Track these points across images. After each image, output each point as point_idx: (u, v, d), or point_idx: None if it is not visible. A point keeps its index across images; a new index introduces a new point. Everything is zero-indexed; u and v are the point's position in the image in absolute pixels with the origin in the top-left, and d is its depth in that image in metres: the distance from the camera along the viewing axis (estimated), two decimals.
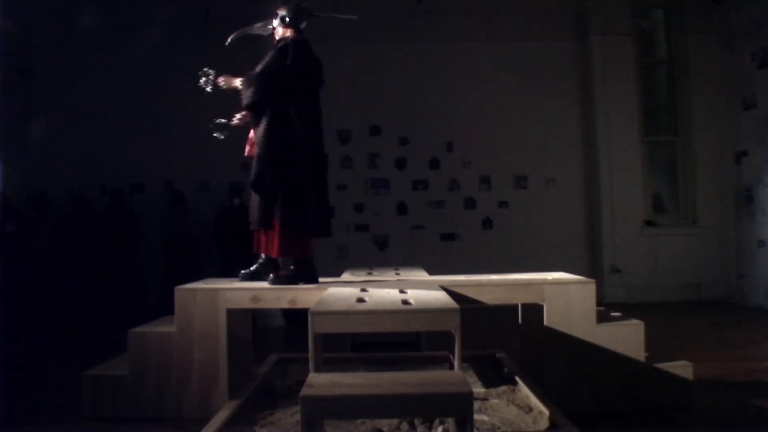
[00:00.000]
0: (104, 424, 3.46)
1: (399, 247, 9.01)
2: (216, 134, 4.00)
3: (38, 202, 8.59)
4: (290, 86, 3.76)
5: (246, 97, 3.78)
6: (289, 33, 3.92)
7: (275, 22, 3.97)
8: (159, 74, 8.68)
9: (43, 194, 8.60)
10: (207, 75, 3.96)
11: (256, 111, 3.82)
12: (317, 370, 2.76)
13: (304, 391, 2.38)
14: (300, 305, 3.51)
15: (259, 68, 3.81)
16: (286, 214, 3.73)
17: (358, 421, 3.02)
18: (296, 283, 3.72)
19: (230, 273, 4.46)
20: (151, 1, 8.59)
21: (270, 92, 3.75)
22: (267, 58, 3.83)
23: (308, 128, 3.81)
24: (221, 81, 3.95)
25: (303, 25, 3.97)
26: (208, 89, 3.96)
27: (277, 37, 3.97)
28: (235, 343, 3.70)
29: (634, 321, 3.72)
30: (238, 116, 4.01)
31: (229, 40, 4.06)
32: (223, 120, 3.99)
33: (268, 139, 3.75)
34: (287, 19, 3.93)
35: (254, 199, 3.84)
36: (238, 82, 3.87)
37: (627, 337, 3.59)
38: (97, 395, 3.55)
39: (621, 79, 9.02)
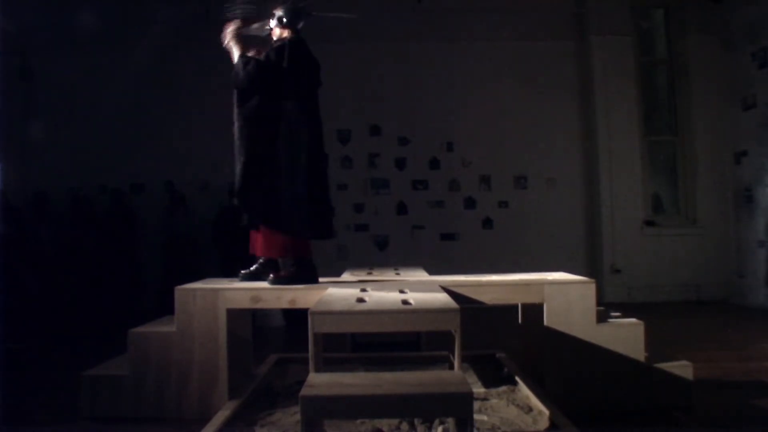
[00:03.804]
0: (104, 424, 3.46)
1: (399, 247, 9.01)
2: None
3: (38, 202, 8.60)
4: (286, 87, 3.74)
5: (237, 78, 3.73)
6: (286, 33, 3.89)
7: (272, 23, 3.94)
8: (159, 74, 8.68)
9: (43, 194, 8.60)
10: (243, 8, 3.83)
11: (241, 96, 3.76)
12: (317, 370, 2.75)
13: (304, 391, 2.38)
14: (300, 305, 3.51)
15: (252, 66, 3.74)
16: (283, 216, 3.72)
17: (358, 421, 3.02)
18: (296, 283, 3.72)
19: (230, 273, 4.45)
20: (151, 1, 8.60)
21: (261, 84, 3.71)
22: (262, 57, 3.80)
23: (306, 129, 3.80)
24: (229, 34, 3.83)
25: (300, 26, 3.95)
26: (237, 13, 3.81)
27: (274, 38, 3.93)
28: (235, 343, 3.69)
29: (634, 321, 3.72)
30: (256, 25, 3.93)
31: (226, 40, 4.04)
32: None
33: (252, 138, 3.72)
34: (284, 20, 3.89)
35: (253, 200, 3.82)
36: (235, 53, 3.81)
37: (627, 337, 3.59)
38: (97, 395, 3.55)
39: (621, 79, 9.03)
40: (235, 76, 3.76)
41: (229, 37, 3.87)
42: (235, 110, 3.79)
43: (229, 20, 3.90)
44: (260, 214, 3.74)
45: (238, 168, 3.74)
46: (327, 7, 4.02)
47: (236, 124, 3.76)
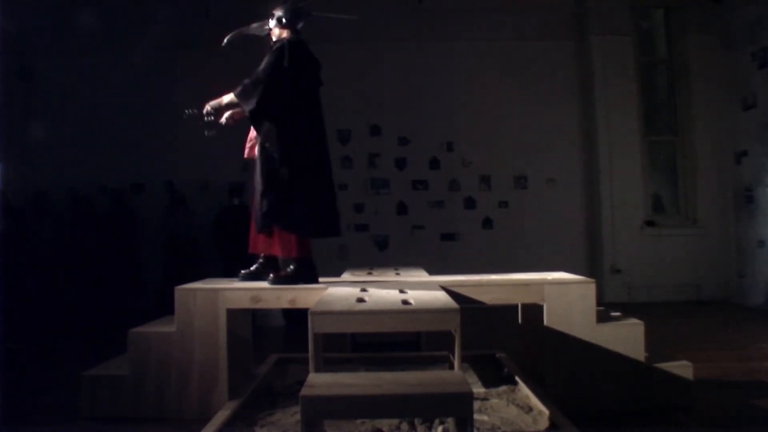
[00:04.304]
0: (104, 424, 3.46)
1: (399, 247, 9.01)
2: (206, 132, 3.90)
3: (38, 202, 8.60)
4: (287, 87, 3.74)
5: (249, 105, 3.70)
6: (285, 34, 3.88)
7: (271, 23, 3.93)
8: (159, 75, 8.69)
9: (43, 194, 8.61)
10: (191, 116, 3.86)
11: (259, 117, 3.75)
12: (317, 370, 2.75)
13: (304, 391, 2.38)
14: (300, 305, 3.51)
15: (257, 73, 3.74)
16: (292, 216, 3.72)
17: (358, 421, 3.02)
18: (296, 283, 3.72)
19: (230, 273, 4.45)
20: (151, 1, 8.60)
21: (273, 96, 3.70)
22: (264, 62, 3.78)
23: (310, 129, 3.80)
24: (208, 108, 3.84)
25: (300, 26, 3.93)
26: (203, 125, 3.82)
27: (273, 38, 3.92)
28: (235, 343, 3.70)
29: (634, 321, 3.72)
30: (227, 114, 3.91)
31: (225, 41, 4.03)
32: (212, 117, 3.87)
33: (282, 144, 3.71)
34: (283, 20, 3.88)
35: (259, 201, 3.81)
36: (227, 98, 3.80)
37: (627, 337, 3.59)
38: (97, 395, 3.55)
39: (621, 79, 9.03)
40: (244, 101, 3.73)
41: (209, 107, 3.86)
42: (255, 125, 3.81)
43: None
44: (274, 214, 3.74)
45: (264, 170, 3.75)
46: (327, 7, 4.02)
47: (263, 142, 3.76)
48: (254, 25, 4.09)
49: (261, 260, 3.89)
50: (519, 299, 3.81)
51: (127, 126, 8.69)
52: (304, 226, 3.76)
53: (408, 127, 9.18)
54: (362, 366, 4.21)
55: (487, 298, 3.61)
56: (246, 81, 3.74)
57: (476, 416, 2.92)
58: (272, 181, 3.73)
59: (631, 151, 9.04)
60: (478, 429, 2.92)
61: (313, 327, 2.75)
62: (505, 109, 9.11)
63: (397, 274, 4.58)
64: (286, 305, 3.62)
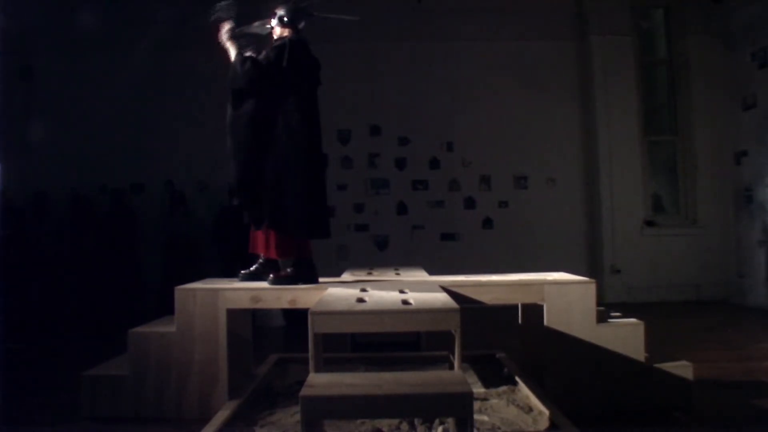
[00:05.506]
0: (104, 424, 3.47)
1: (399, 247, 9.01)
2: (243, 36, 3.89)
3: (38, 202, 8.60)
4: (285, 86, 3.74)
5: (234, 78, 3.72)
6: (287, 33, 3.90)
7: (273, 22, 3.95)
8: (159, 74, 8.68)
9: (43, 194, 8.61)
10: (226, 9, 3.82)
11: (237, 96, 3.76)
12: (317, 370, 2.76)
13: (304, 391, 2.38)
14: (300, 305, 3.51)
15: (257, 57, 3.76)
16: (279, 216, 3.72)
17: (358, 421, 3.02)
18: (296, 283, 3.72)
19: (230, 273, 4.46)
20: (151, 1, 8.60)
21: (259, 84, 3.70)
22: (262, 55, 3.80)
23: (305, 129, 3.80)
24: (225, 34, 3.86)
25: (301, 25, 3.96)
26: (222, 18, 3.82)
27: (275, 37, 3.94)
28: (235, 343, 3.70)
29: (634, 321, 3.72)
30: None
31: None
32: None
33: (247, 140, 3.72)
34: (285, 19, 3.91)
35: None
36: (233, 53, 3.82)
37: (627, 337, 3.59)
38: (97, 395, 3.56)
39: (621, 79, 9.03)
40: (232, 76, 3.76)
41: (224, 37, 3.88)
42: (230, 111, 3.79)
43: (219, 22, 3.90)
44: (264, 214, 3.74)
45: (233, 169, 3.75)
46: (328, 8, 4.02)
47: (231, 126, 3.76)
48: (256, 23, 4.09)
49: (261, 260, 3.90)
50: (519, 299, 3.81)
51: (127, 126, 8.70)
52: (292, 227, 3.75)
53: (408, 127, 9.18)
54: (362, 366, 4.22)
55: (487, 298, 3.61)
56: (245, 58, 3.75)
57: (476, 416, 2.92)
58: (259, 181, 3.74)
59: (631, 151, 9.04)
60: (478, 429, 2.92)
61: (313, 327, 2.75)
62: (505, 109, 9.11)
63: (397, 274, 4.58)
64: (286, 305, 3.63)
